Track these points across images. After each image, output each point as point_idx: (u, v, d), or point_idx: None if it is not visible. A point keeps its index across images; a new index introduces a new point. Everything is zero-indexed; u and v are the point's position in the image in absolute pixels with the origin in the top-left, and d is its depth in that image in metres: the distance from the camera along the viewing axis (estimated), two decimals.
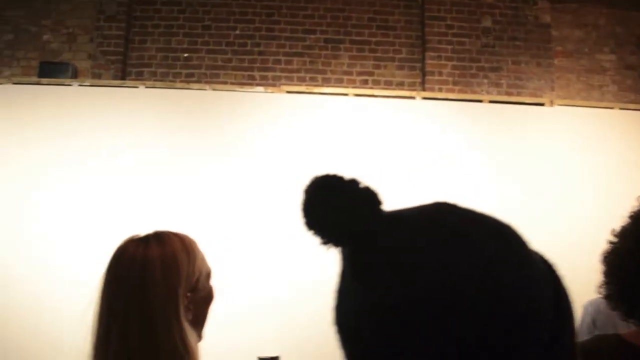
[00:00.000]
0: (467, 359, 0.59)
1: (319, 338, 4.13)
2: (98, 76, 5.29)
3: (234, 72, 5.38)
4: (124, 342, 1.18)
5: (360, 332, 0.66)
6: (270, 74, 5.37)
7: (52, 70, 5.18)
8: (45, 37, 5.45)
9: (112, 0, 5.43)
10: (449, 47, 5.45)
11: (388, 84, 5.39)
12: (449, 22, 5.50)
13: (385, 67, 5.44)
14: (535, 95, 5.36)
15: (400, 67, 5.45)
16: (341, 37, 5.48)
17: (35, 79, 5.13)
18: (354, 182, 0.78)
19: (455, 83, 5.36)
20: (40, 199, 4.55)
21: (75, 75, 5.24)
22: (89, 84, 5.04)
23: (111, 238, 4.47)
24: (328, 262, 3.89)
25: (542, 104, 5.00)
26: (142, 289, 1.23)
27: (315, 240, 0.75)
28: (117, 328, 1.20)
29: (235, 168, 4.66)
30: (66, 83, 5.02)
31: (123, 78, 5.32)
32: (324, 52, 5.44)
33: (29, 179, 4.56)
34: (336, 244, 0.72)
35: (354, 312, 0.68)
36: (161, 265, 1.28)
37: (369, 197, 0.77)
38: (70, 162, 4.67)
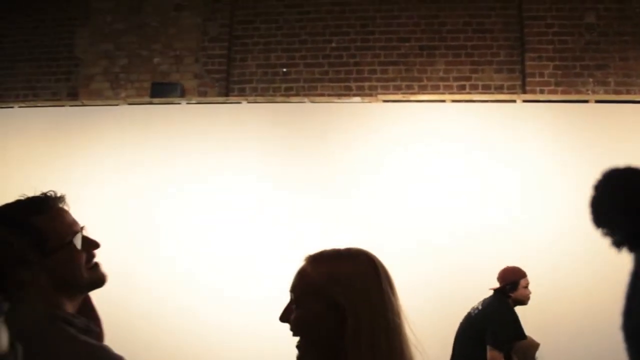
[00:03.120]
0: None
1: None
2: (204, 94, 5.61)
3: (331, 84, 5.50)
4: None
5: None
6: (366, 84, 5.45)
7: (162, 90, 5.55)
8: (156, 60, 5.84)
9: (214, 22, 5.74)
10: (550, 46, 5.27)
11: (486, 89, 5.30)
12: (549, 21, 5.32)
13: (482, 71, 5.35)
14: None
15: (499, 70, 5.34)
16: (436, 43, 5.45)
17: (147, 99, 5.52)
18: None
19: (557, 84, 5.17)
20: (160, 208, 4.88)
21: (183, 94, 5.58)
22: (195, 101, 5.36)
23: (228, 247, 4.68)
24: (411, 260, 3.85)
25: None
26: None
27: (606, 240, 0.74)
28: None
29: (336, 177, 4.76)
30: (175, 102, 5.37)
31: (226, 95, 5.60)
32: (419, 60, 5.44)
33: (147, 192, 4.90)
34: (633, 246, 0.68)
35: None
36: None
37: None
38: (181, 172, 4.98)
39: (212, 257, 4.72)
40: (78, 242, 1.36)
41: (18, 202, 1.36)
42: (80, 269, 1.32)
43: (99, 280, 1.37)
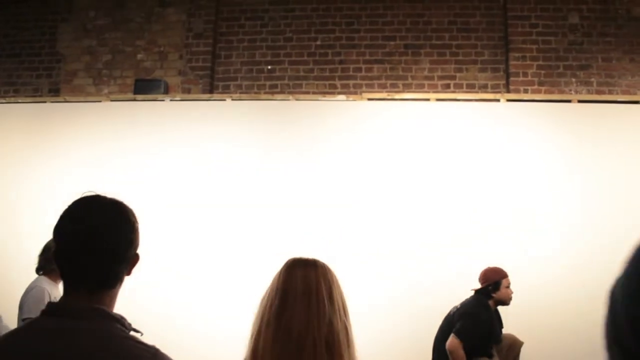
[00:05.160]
0: None
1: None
2: (188, 91, 5.56)
3: (316, 82, 5.49)
4: None
5: None
6: (351, 82, 5.44)
7: (145, 87, 5.50)
8: (139, 56, 5.79)
9: (199, 19, 5.70)
10: (534, 46, 5.30)
11: (471, 88, 5.32)
12: (533, 21, 5.35)
13: (467, 70, 5.37)
14: (629, 93, 5.11)
15: (483, 70, 5.36)
16: (421, 42, 5.46)
17: (130, 95, 5.46)
18: None
19: (541, 83, 5.21)
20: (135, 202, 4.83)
21: (166, 90, 5.53)
22: (179, 98, 5.32)
23: (207, 242, 4.67)
24: (431, 260, 3.86)
25: (637, 102, 4.76)
26: None
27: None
28: None
29: (320, 175, 4.75)
30: (159, 98, 5.32)
31: (211, 92, 5.56)
32: (404, 58, 5.44)
33: (128, 186, 4.85)
34: None
35: None
36: None
37: None
38: (164, 169, 4.94)
39: (195, 253, 4.69)
40: None
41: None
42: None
43: None
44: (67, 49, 5.97)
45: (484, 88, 5.30)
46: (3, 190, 5.17)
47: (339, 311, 1.51)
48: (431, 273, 4.41)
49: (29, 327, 1.31)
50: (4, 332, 3.86)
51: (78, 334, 1.17)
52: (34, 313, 3.20)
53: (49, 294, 3.27)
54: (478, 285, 3.82)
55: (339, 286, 1.56)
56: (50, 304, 1.29)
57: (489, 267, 3.86)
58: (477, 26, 5.46)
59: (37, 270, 3.46)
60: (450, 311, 3.82)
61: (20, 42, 6.06)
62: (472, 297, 3.80)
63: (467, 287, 3.89)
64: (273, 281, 1.56)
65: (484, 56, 5.40)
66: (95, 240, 1.24)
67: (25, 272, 4.10)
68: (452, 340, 3.58)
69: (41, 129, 5.30)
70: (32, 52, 6.03)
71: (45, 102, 5.54)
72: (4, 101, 5.63)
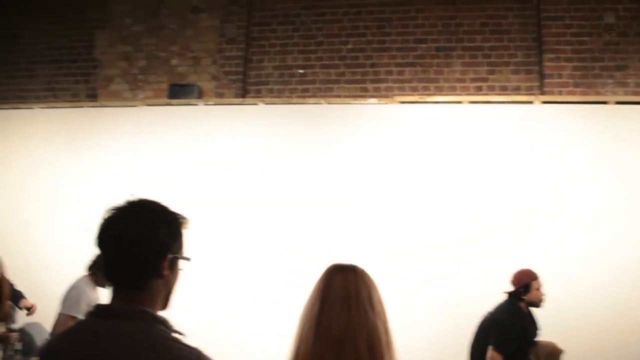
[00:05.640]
0: None
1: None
2: (221, 95, 5.64)
3: (347, 85, 5.51)
4: None
5: None
6: (382, 85, 5.44)
7: (180, 91, 5.60)
8: (174, 61, 5.90)
9: (232, 24, 5.77)
10: (569, 47, 5.22)
11: (503, 90, 5.26)
12: (567, 22, 5.27)
13: (500, 72, 5.31)
14: None
15: (516, 72, 5.31)
16: (453, 44, 5.43)
17: (165, 100, 5.57)
18: None
19: (576, 85, 5.12)
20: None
21: (200, 95, 5.62)
22: (213, 103, 5.40)
23: (243, 245, 4.69)
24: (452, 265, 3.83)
25: None
26: None
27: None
28: None
29: (352, 179, 4.77)
30: (192, 103, 5.41)
31: (243, 96, 5.63)
32: (435, 61, 5.42)
33: (163, 188, 4.94)
34: None
35: None
36: None
37: None
38: (198, 172, 5.02)
39: (228, 256, 4.75)
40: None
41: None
42: None
43: None
44: (103, 55, 6.12)
45: (517, 90, 5.24)
46: (43, 191, 5.32)
47: (379, 314, 1.57)
48: (463, 277, 4.38)
49: (77, 328, 1.36)
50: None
51: (123, 335, 1.21)
52: (74, 312, 3.32)
53: (87, 298, 3.38)
54: (507, 288, 3.78)
55: (377, 290, 1.61)
56: (98, 306, 1.34)
57: (519, 269, 3.81)
58: (510, 27, 5.40)
59: (87, 269, 3.58)
60: (484, 316, 3.78)
61: (59, 49, 6.23)
62: (504, 301, 3.76)
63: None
64: (314, 287, 1.62)
65: (517, 58, 5.34)
66: (123, 242, 1.29)
67: (63, 269, 4.24)
68: (492, 355, 3.54)
69: (79, 133, 5.44)
70: (70, 58, 6.20)
71: (83, 107, 5.69)
72: (44, 106, 5.79)
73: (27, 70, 6.27)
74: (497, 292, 3.76)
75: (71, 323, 3.26)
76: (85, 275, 3.55)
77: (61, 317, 3.37)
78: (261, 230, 4.79)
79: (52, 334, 3.32)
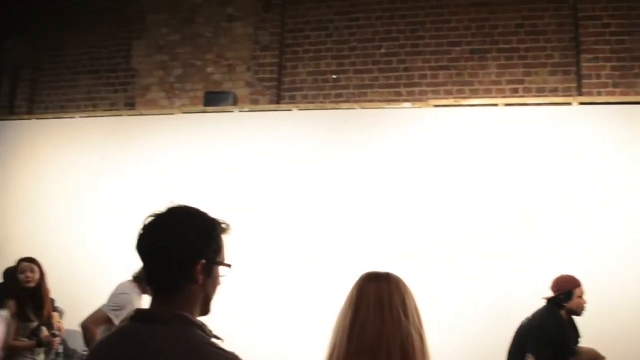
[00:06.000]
0: None
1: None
2: (255, 102, 5.70)
3: (381, 90, 5.50)
4: None
5: None
6: (417, 89, 5.42)
7: (215, 99, 5.68)
8: (209, 69, 5.99)
9: (265, 32, 5.84)
10: (607, 47, 5.11)
11: (540, 92, 5.18)
12: (605, 21, 5.16)
13: (536, 73, 5.24)
14: None
15: (554, 73, 5.22)
16: (488, 46, 5.38)
17: (201, 107, 5.66)
18: None
19: (615, 85, 5.01)
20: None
21: (235, 102, 5.70)
22: (247, 109, 5.47)
23: (277, 251, 4.73)
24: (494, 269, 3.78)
25: None
26: None
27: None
28: None
29: (387, 184, 4.76)
30: (228, 110, 5.49)
31: (278, 102, 5.68)
32: (470, 64, 5.37)
33: (200, 193, 5.02)
34: None
35: None
36: None
37: None
38: (234, 177, 5.08)
39: (261, 262, 4.79)
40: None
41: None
42: None
43: None
44: (141, 65, 6.26)
45: (554, 92, 5.15)
46: (86, 195, 5.47)
47: (414, 321, 1.57)
48: (505, 281, 4.33)
49: (119, 332, 1.40)
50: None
51: (161, 340, 1.24)
52: (113, 315, 3.39)
53: (132, 307, 3.44)
54: (547, 294, 3.68)
55: (412, 298, 1.63)
56: (137, 311, 1.39)
57: (561, 275, 3.69)
58: (546, 28, 5.32)
59: (134, 276, 3.65)
60: (522, 323, 3.70)
61: (99, 60, 6.40)
62: (543, 308, 3.65)
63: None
64: (347, 296, 1.65)
65: (554, 59, 5.25)
66: (157, 248, 1.32)
67: (104, 272, 4.35)
68: None
69: (118, 141, 5.58)
70: (109, 68, 6.36)
71: (122, 115, 5.84)
72: (84, 115, 5.97)
73: (70, 81, 6.46)
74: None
75: (103, 323, 3.35)
76: (131, 281, 3.62)
77: (99, 313, 3.43)
78: (296, 234, 4.82)
79: (82, 327, 3.37)
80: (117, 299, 3.48)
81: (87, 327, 3.34)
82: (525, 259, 4.33)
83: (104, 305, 3.46)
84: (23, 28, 6.64)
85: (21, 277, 3.85)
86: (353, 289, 1.64)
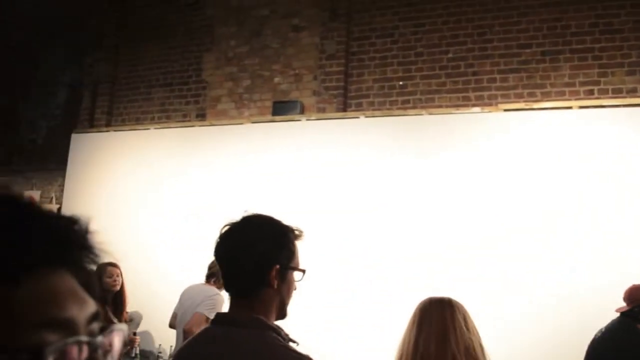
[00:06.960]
0: None
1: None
2: (322, 110, 5.76)
3: (449, 95, 5.44)
4: None
5: None
6: (485, 93, 5.32)
7: (283, 108, 5.79)
8: (276, 79, 6.11)
9: (331, 40, 5.90)
10: None
11: (617, 92, 4.97)
12: None
13: (613, 74, 5.03)
14: None
15: (631, 73, 5.00)
16: (560, 47, 5.21)
17: (269, 117, 5.78)
18: None
19: None
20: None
21: (302, 111, 5.78)
22: (315, 118, 5.54)
23: (349, 259, 4.74)
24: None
25: None
26: None
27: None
28: None
29: (457, 190, 4.69)
30: (295, 119, 5.57)
31: (344, 110, 5.72)
32: (541, 66, 5.23)
33: (271, 203, 5.11)
34: None
35: None
36: None
37: None
38: (302, 185, 5.15)
39: (328, 266, 4.83)
40: None
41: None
42: None
43: None
44: (211, 76, 6.45)
45: (632, 92, 4.93)
46: (161, 204, 5.69)
47: (474, 333, 1.77)
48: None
49: (200, 335, 1.48)
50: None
51: (239, 342, 1.30)
52: (211, 315, 3.55)
53: (223, 302, 3.61)
54: (619, 305, 3.42)
55: (471, 319, 1.83)
56: (218, 314, 1.46)
57: (634, 285, 3.41)
58: (623, 26, 5.10)
59: (206, 278, 3.83)
60: (595, 336, 3.46)
61: (171, 73, 6.65)
62: (617, 321, 3.38)
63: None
64: (409, 320, 1.83)
65: (631, 58, 5.03)
66: (232, 255, 1.40)
67: (174, 280, 4.51)
68: None
69: (190, 150, 5.77)
70: (181, 81, 6.60)
71: (193, 126, 6.04)
72: (158, 127, 6.22)
73: (145, 94, 6.75)
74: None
75: (203, 323, 3.51)
76: (204, 284, 3.78)
77: (197, 315, 3.63)
78: (368, 244, 4.82)
79: (186, 331, 3.56)
80: (211, 300, 3.68)
81: (190, 330, 3.52)
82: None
83: (198, 307, 3.66)
84: (100, 45, 7.00)
85: (108, 280, 4.07)
86: (414, 314, 1.84)
